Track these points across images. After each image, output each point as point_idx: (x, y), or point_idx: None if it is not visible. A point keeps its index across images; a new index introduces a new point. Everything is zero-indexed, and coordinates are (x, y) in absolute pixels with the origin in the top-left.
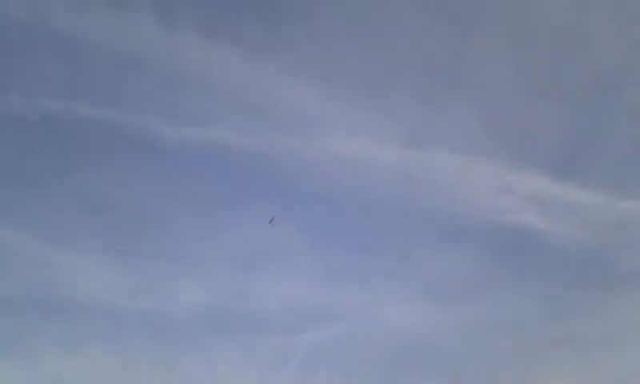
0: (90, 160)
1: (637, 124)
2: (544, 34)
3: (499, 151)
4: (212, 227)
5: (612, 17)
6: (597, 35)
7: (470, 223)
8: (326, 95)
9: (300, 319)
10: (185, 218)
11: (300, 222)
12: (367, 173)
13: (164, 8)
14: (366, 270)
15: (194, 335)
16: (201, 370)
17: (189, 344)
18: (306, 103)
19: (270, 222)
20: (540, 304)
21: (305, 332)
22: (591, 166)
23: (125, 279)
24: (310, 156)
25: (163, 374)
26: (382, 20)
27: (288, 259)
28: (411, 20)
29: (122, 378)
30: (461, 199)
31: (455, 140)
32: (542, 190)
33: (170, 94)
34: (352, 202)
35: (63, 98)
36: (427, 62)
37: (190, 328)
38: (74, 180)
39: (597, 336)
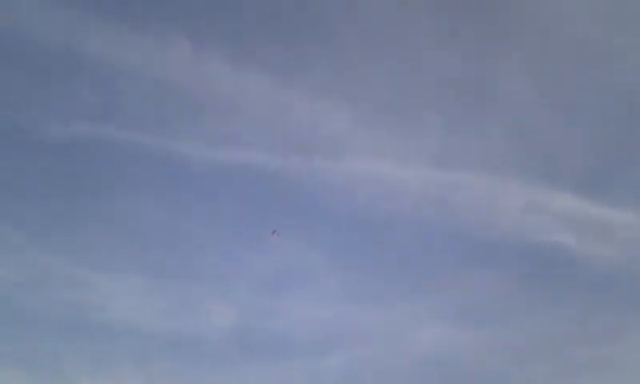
0: (121, 183)
1: None
2: (571, 51)
3: (527, 170)
4: (240, 248)
5: None
6: (626, 51)
7: (498, 243)
8: (351, 117)
9: (327, 341)
10: (213, 240)
11: (327, 243)
12: (393, 194)
13: (194, 35)
14: (394, 292)
15: (222, 357)
16: None
17: (218, 366)
18: (332, 125)
19: (273, 234)
20: (573, 326)
21: (332, 354)
22: (623, 184)
23: (156, 301)
24: (335, 177)
25: None
26: (406, 41)
27: (315, 280)
28: (436, 40)
29: None
30: (488, 219)
31: (481, 160)
32: (573, 208)
33: (198, 118)
34: (378, 223)
35: (97, 122)
36: (452, 82)
37: (218, 350)
38: (106, 203)
39: (634, 359)
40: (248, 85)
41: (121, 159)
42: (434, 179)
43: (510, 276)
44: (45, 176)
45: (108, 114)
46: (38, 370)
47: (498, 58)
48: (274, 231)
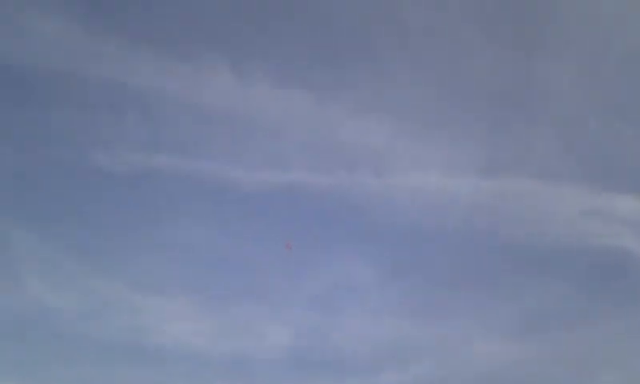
0: (172, 209)
1: None
2: (623, 51)
3: (582, 174)
4: (291, 267)
5: None
6: None
7: (555, 251)
8: (396, 130)
9: (384, 358)
10: (265, 260)
11: (378, 258)
12: (443, 205)
13: (235, 60)
14: (447, 306)
15: (278, 377)
16: None
17: None
18: (377, 139)
19: (286, 246)
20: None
21: (387, 371)
22: None
23: (211, 323)
24: (383, 191)
25: None
26: (447, 50)
27: (367, 296)
28: (478, 47)
29: None
30: (543, 227)
31: (533, 166)
32: (635, 211)
33: (245, 141)
34: (429, 235)
35: (145, 151)
36: (497, 88)
37: (274, 369)
38: (158, 229)
39: None
40: (291, 105)
41: (171, 186)
42: (483, 188)
43: (570, 285)
44: (100, 205)
45: (156, 143)
46: None
47: (546, 61)
48: (288, 245)
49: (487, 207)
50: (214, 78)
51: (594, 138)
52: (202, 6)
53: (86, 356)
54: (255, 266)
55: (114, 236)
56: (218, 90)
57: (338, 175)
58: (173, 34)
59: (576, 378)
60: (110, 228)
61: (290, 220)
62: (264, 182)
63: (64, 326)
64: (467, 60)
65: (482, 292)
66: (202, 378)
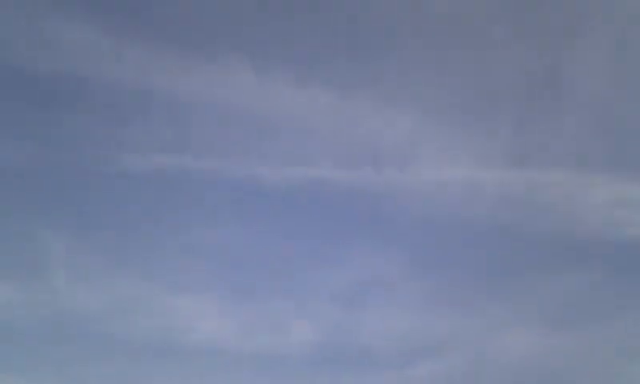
0: (198, 208)
1: None
2: None
3: (613, 163)
4: (317, 263)
5: None
6: None
7: (586, 241)
8: (421, 123)
9: (411, 351)
10: (291, 257)
11: (404, 252)
12: (469, 198)
13: (256, 59)
14: (476, 298)
15: (306, 372)
16: None
17: (302, 381)
18: (402, 133)
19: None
20: None
21: (416, 365)
22: None
23: (238, 320)
24: (408, 184)
25: None
26: (471, 39)
27: (394, 290)
28: (503, 35)
29: None
30: (574, 217)
31: (562, 156)
32: None
33: (268, 138)
34: (456, 228)
35: (171, 151)
36: (523, 77)
37: (302, 365)
38: (184, 228)
39: None
40: (313, 102)
41: (196, 185)
42: (511, 179)
43: (600, 276)
44: (127, 206)
45: (182, 144)
46: None
47: (573, 49)
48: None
49: (515, 198)
50: (237, 77)
51: (623, 126)
52: (222, 6)
53: (115, 355)
54: (280, 262)
55: (141, 236)
56: (241, 88)
57: (362, 170)
58: (195, 35)
59: (606, 370)
60: (138, 228)
61: (315, 216)
62: (288, 179)
63: (93, 325)
64: (493, 51)
65: (510, 284)
66: (230, 376)
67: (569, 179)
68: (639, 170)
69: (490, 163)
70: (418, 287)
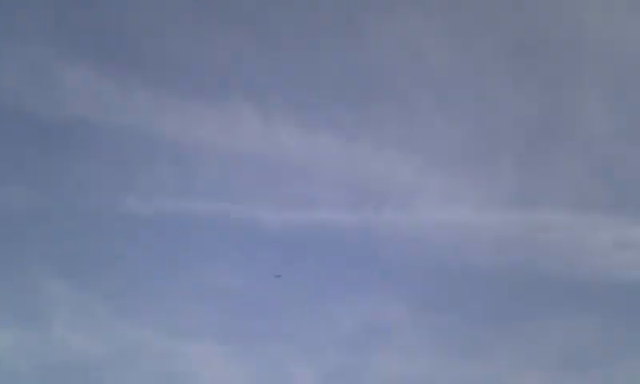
0: (201, 253)
1: None
2: None
3: (614, 205)
4: (320, 308)
5: None
6: None
7: (590, 283)
8: (423, 166)
9: None
10: (293, 301)
11: (409, 296)
12: (472, 240)
13: (262, 105)
14: (483, 343)
15: None
16: None
17: None
18: (404, 176)
19: (276, 277)
20: None
21: None
22: None
23: (241, 367)
24: (411, 227)
25: None
26: (472, 84)
27: (399, 335)
28: (504, 81)
29: None
30: (577, 258)
31: (564, 198)
32: None
33: (272, 183)
34: (461, 271)
35: (176, 196)
36: (525, 122)
37: None
38: (186, 273)
39: None
40: (317, 146)
41: (200, 230)
42: (514, 222)
43: (604, 317)
44: (130, 250)
45: (185, 188)
46: None
47: (575, 92)
48: (277, 275)
49: (517, 241)
50: (242, 122)
51: (627, 168)
52: (228, 54)
53: None
54: (282, 307)
55: (143, 281)
56: (246, 134)
57: (365, 213)
58: (201, 81)
59: None
60: (140, 273)
61: (317, 259)
62: (290, 222)
63: (94, 373)
64: (494, 94)
65: (514, 328)
66: None
67: (571, 221)
68: None
69: (491, 206)
70: (422, 331)
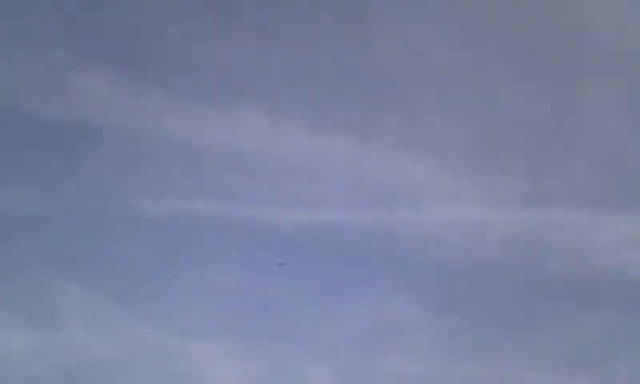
0: (211, 253)
1: None
2: None
3: (625, 202)
4: (330, 307)
5: None
6: None
7: (599, 281)
8: (432, 166)
9: None
10: (303, 301)
11: (418, 295)
12: (481, 239)
13: (270, 106)
14: (491, 341)
15: None
16: None
17: None
18: (414, 176)
19: (279, 264)
20: None
21: None
22: None
23: (250, 367)
24: (421, 227)
25: None
26: (480, 83)
27: (409, 334)
28: (513, 79)
29: None
30: (587, 257)
31: (574, 196)
32: None
33: (282, 184)
34: (470, 270)
35: (186, 198)
36: (533, 120)
37: None
38: (199, 273)
39: None
40: (325, 147)
41: (210, 230)
42: (523, 220)
43: (615, 315)
44: (141, 252)
45: (195, 189)
46: None
47: (581, 91)
48: (281, 263)
49: (528, 239)
50: (252, 125)
51: (636, 166)
52: (236, 56)
53: None
54: (293, 307)
55: (155, 282)
56: (256, 136)
57: (374, 213)
58: (209, 83)
59: None
60: (151, 274)
61: (328, 259)
62: (301, 223)
63: (106, 372)
64: (502, 93)
65: (525, 326)
66: None
67: (580, 219)
68: None
69: (501, 204)
70: (433, 331)
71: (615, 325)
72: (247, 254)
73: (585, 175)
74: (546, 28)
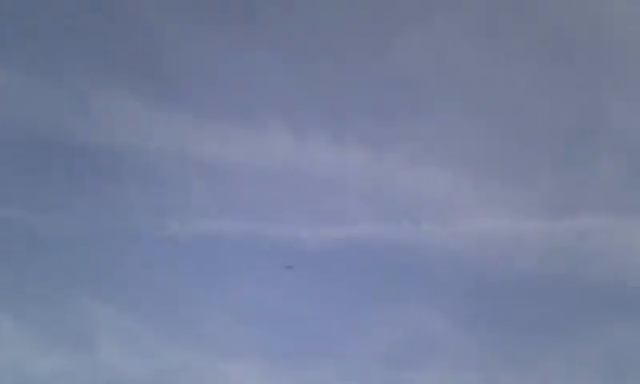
0: (240, 272)
1: None
2: None
3: None
4: (359, 323)
5: None
6: None
7: (637, 288)
8: (458, 177)
9: None
10: (332, 318)
11: (448, 309)
12: (513, 249)
13: (295, 122)
14: (528, 354)
15: None
16: None
17: None
18: (440, 187)
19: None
20: None
21: None
22: None
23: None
24: (450, 239)
25: None
26: (503, 91)
27: (441, 349)
28: (535, 87)
29: None
30: (622, 264)
31: (607, 202)
32: None
33: (307, 199)
34: (502, 282)
35: (212, 217)
36: (561, 127)
37: None
38: (227, 292)
39: None
40: (349, 161)
41: (238, 249)
42: (556, 229)
43: None
44: (172, 272)
45: (223, 208)
46: None
47: (613, 96)
48: (289, 266)
49: (560, 249)
50: (275, 141)
51: None
52: (258, 74)
53: None
54: (325, 324)
55: (185, 302)
56: (280, 152)
57: (401, 226)
58: (233, 102)
59: None
60: (182, 294)
61: (356, 274)
62: (328, 239)
63: None
64: (527, 101)
65: (562, 337)
66: None
67: (611, 226)
68: None
69: (531, 214)
70: (468, 345)
71: None
72: (275, 271)
73: (617, 181)
74: (573, 29)
